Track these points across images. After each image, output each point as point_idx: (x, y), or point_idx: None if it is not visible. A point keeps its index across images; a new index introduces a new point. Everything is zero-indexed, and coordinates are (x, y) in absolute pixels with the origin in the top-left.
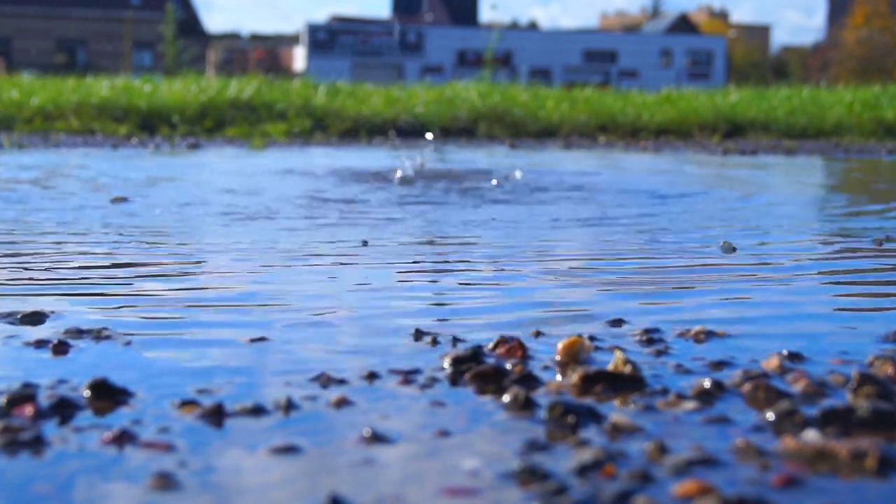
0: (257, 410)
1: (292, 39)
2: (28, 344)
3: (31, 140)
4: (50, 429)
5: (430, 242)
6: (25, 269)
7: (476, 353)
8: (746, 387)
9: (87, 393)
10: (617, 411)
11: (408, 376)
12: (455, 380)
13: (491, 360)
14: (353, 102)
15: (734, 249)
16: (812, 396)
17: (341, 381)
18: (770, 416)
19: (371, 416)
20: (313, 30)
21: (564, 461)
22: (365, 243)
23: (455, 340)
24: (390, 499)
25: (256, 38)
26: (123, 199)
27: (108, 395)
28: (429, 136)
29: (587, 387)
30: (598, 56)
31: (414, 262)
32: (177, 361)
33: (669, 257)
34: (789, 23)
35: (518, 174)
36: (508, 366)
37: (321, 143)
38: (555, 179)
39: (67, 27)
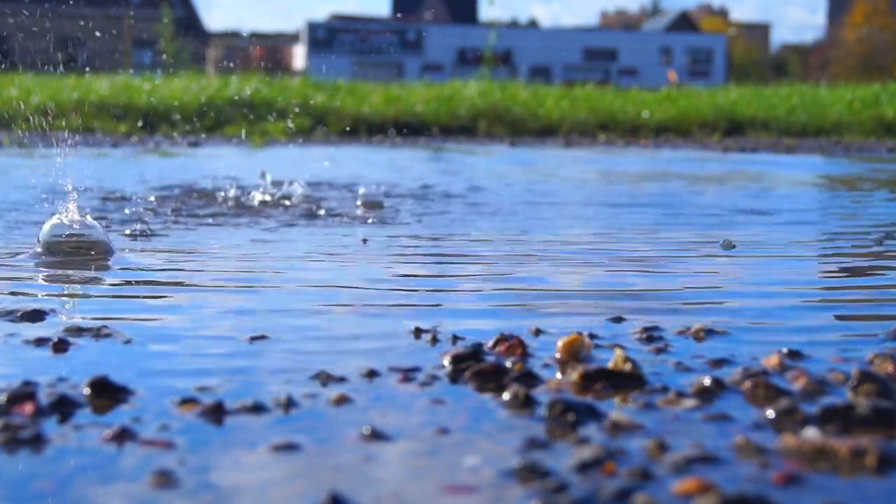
0: (257, 408)
1: (292, 38)
2: (28, 342)
3: (31, 139)
4: (50, 427)
5: None
6: (25, 266)
7: (476, 351)
8: (746, 384)
9: (86, 391)
10: (617, 409)
11: (408, 374)
12: (455, 377)
13: (491, 358)
14: (352, 101)
15: (734, 246)
16: (812, 394)
17: (341, 379)
18: (770, 413)
19: (371, 414)
20: (313, 28)
21: (564, 459)
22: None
23: (455, 338)
24: (390, 497)
25: (256, 37)
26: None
27: (107, 392)
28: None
29: (587, 384)
30: (598, 54)
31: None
32: (177, 359)
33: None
34: (792, 20)
35: None
36: (508, 364)
37: (322, 142)
38: None
39: (67, 25)
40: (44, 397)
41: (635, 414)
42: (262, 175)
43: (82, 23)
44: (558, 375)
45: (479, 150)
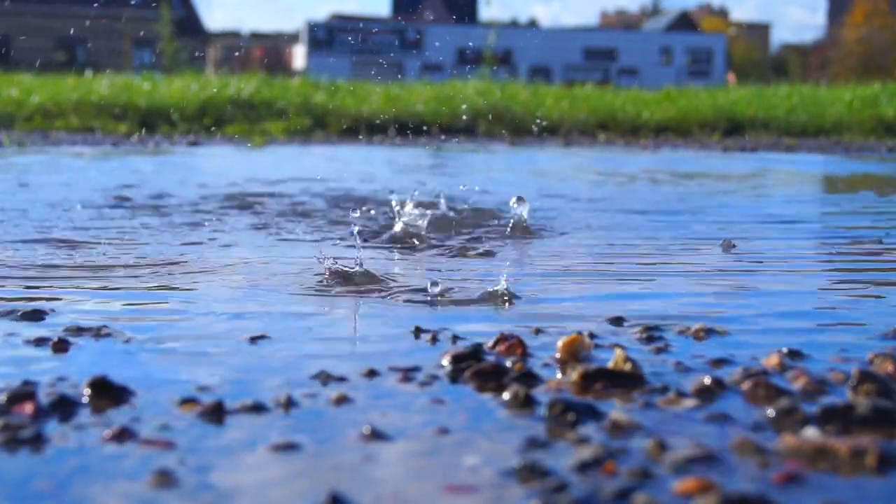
0: (257, 408)
1: (292, 38)
2: (28, 342)
3: (31, 138)
4: (50, 426)
5: None
6: (24, 265)
7: (476, 351)
8: (746, 384)
9: (87, 391)
10: (617, 409)
11: (407, 374)
12: (455, 377)
13: (491, 358)
14: (352, 101)
15: (734, 246)
16: (812, 394)
17: (341, 379)
18: (770, 413)
19: (371, 414)
20: (313, 28)
21: (564, 458)
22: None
23: (455, 338)
24: (390, 496)
25: (256, 36)
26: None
27: (107, 392)
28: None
29: (587, 384)
30: (598, 54)
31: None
32: (177, 359)
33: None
34: (792, 20)
35: None
36: (508, 363)
37: (322, 142)
38: None
39: (67, 25)
40: (44, 397)
41: (635, 413)
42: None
43: (87, 22)
44: (558, 375)
45: (486, 150)
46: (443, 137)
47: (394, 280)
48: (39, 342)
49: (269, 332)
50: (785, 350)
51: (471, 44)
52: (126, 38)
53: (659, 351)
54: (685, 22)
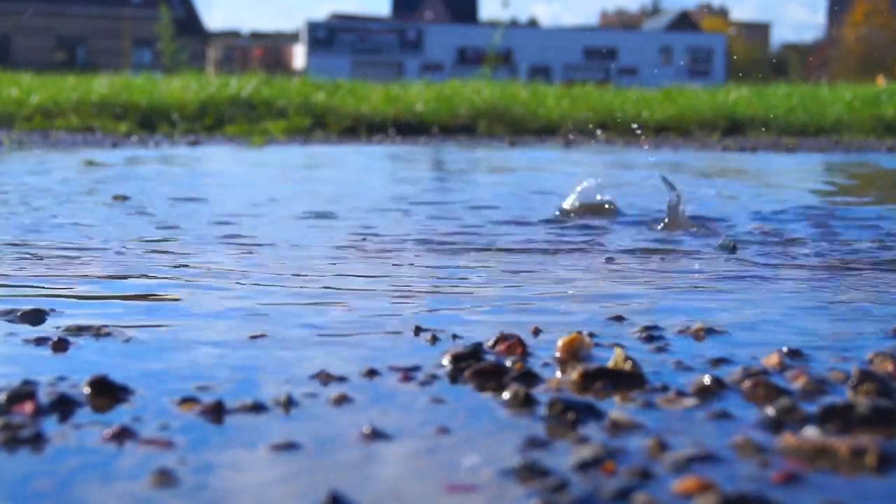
0: (257, 407)
1: (292, 37)
2: (28, 341)
3: (31, 138)
4: (50, 426)
5: None
6: (25, 265)
7: (476, 351)
8: (746, 384)
9: (86, 390)
10: (617, 408)
11: (407, 373)
12: (455, 377)
13: (491, 358)
14: (352, 100)
15: (735, 247)
16: (812, 393)
17: (341, 379)
18: (770, 412)
19: (371, 413)
20: (313, 27)
21: (564, 458)
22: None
23: (455, 337)
24: (390, 496)
25: (256, 36)
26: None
27: (107, 392)
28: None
29: (587, 384)
30: (597, 54)
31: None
32: (177, 358)
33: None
34: (792, 19)
35: None
36: (508, 363)
37: (321, 141)
38: None
39: (67, 25)
40: (44, 396)
41: (635, 413)
42: None
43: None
44: (558, 375)
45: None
46: (442, 137)
47: None
48: (39, 342)
49: (269, 332)
50: (785, 349)
51: (473, 45)
52: (126, 38)
53: (659, 350)
54: (685, 22)
